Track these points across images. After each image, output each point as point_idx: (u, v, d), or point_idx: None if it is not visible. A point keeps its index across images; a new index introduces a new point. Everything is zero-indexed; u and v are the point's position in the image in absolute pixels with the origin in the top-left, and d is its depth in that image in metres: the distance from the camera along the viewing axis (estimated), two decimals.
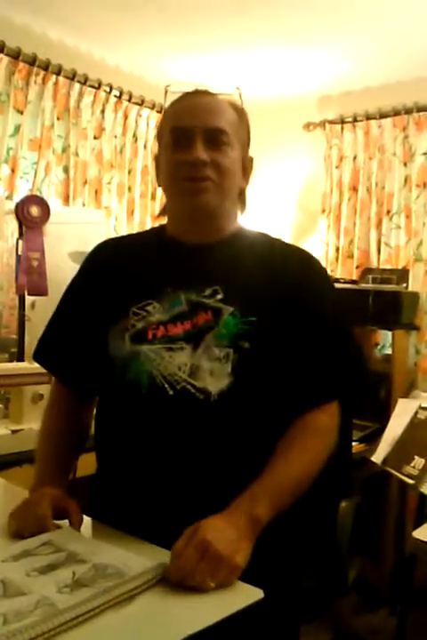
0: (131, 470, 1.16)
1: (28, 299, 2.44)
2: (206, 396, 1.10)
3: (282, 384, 1.14)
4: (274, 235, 1.28)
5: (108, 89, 3.07)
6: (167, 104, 1.22)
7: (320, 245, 3.43)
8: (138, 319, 1.15)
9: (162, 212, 1.28)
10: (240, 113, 1.20)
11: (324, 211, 3.45)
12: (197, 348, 1.11)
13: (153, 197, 3.36)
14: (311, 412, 1.14)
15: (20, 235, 2.42)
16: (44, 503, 1.08)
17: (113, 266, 1.25)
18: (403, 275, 3.04)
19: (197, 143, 1.13)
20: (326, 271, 1.32)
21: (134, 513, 1.13)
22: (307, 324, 1.15)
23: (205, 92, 1.19)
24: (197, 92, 1.19)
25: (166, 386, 1.11)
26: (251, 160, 1.24)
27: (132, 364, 1.14)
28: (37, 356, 1.31)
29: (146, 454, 1.14)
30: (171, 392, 1.11)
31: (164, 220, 1.29)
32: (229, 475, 1.10)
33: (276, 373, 1.14)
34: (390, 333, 3.00)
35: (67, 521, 1.10)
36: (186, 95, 1.19)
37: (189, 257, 1.19)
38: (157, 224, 1.33)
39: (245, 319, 1.12)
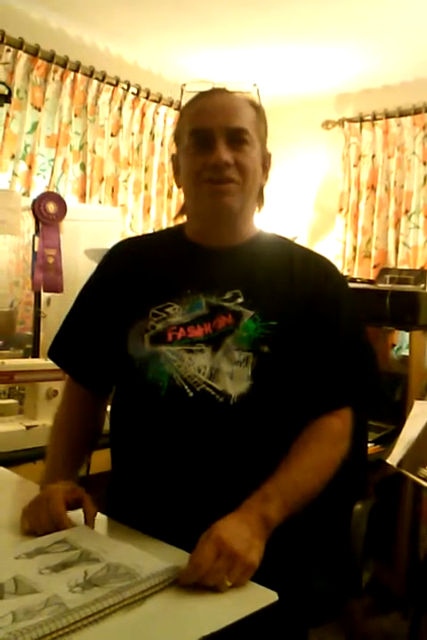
0: (148, 470, 1.15)
1: (44, 295, 2.45)
2: (226, 398, 1.10)
3: (300, 389, 1.15)
4: (291, 236, 1.27)
5: (125, 86, 3.08)
6: (184, 102, 1.21)
7: (337, 244, 3.41)
8: (158, 320, 1.15)
9: (180, 213, 1.28)
10: (258, 110, 1.19)
11: (341, 209, 3.42)
12: (217, 351, 1.12)
13: (169, 195, 3.36)
14: (325, 417, 1.14)
15: (37, 231, 2.43)
16: (58, 500, 1.07)
17: (131, 266, 1.24)
18: (421, 275, 3.01)
19: (220, 144, 1.12)
20: (344, 278, 1.33)
21: (152, 513, 1.13)
22: (323, 332, 1.16)
23: (224, 91, 1.18)
24: (215, 91, 1.18)
25: (186, 387, 1.11)
26: (269, 156, 1.23)
27: (152, 365, 1.14)
28: (52, 354, 1.31)
29: (164, 455, 1.13)
30: (190, 394, 1.11)
31: (181, 220, 1.28)
32: (246, 477, 1.10)
33: (294, 378, 1.14)
34: (407, 334, 2.97)
35: (81, 518, 1.08)
36: (204, 95, 1.18)
37: (210, 260, 1.18)
38: (172, 223, 1.33)
39: (265, 323, 1.12)
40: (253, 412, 1.11)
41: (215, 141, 1.12)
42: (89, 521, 1.07)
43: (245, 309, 1.13)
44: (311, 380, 1.15)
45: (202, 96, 1.18)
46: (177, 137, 1.23)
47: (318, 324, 1.15)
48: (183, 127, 1.19)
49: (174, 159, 1.24)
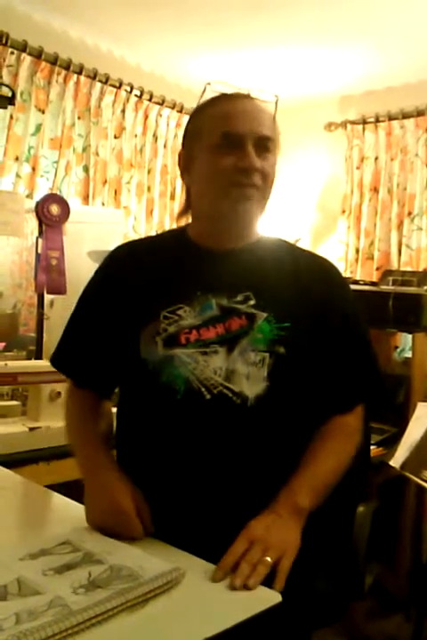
0: (163, 473, 1.15)
1: (47, 297, 2.45)
2: (243, 400, 1.11)
3: (313, 389, 1.18)
4: (294, 238, 1.28)
5: (128, 88, 3.08)
6: (202, 100, 1.20)
7: (340, 246, 3.41)
8: (169, 323, 1.15)
9: (183, 212, 1.27)
10: (274, 120, 1.21)
11: (344, 211, 3.42)
12: (232, 352, 1.12)
13: (172, 197, 3.36)
14: (341, 415, 1.19)
15: (40, 233, 2.43)
16: (134, 519, 1.07)
17: (133, 269, 1.23)
18: (424, 277, 3.00)
19: (250, 150, 1.13)
20: (346, 280, 1.36)
21: (167, 517, 1.12)
22: (334, 335, 1.18)
23: (249, 96, 1.18)
24: (243, 96, 1.18)
25: (203, 390, 1.11)
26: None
27: (166, 368, 1.13)
28: (56, 363, 1.31)
29: (180, 458, 1.14)
30: (208, 396, 1.11)
31: (184, 220, 1.28)
32: (264, 478, 1.11)
33: (308, 378, 1.17)
34: (409, 336, 2.97)
35: (82, 517, 1.09)
36: (231, 97, 1.18)
37: (216, 261, 1.18)
38: (174, 225, 1.33)
39: (279, 325, 1.13)
40: (269, 413, 1.13)
41: (246, 146, 1.13)
42: (148, 526, 1.08)
43: (259, 311, 1.14)
44: (326, 382, 1.18)
45: (229, 98, 1.18)
46: (195, 134, 1.20)
47: (327, 327, 1.17)
48: (210, 126, 1.16)
49: (183, 156, 1.22)
